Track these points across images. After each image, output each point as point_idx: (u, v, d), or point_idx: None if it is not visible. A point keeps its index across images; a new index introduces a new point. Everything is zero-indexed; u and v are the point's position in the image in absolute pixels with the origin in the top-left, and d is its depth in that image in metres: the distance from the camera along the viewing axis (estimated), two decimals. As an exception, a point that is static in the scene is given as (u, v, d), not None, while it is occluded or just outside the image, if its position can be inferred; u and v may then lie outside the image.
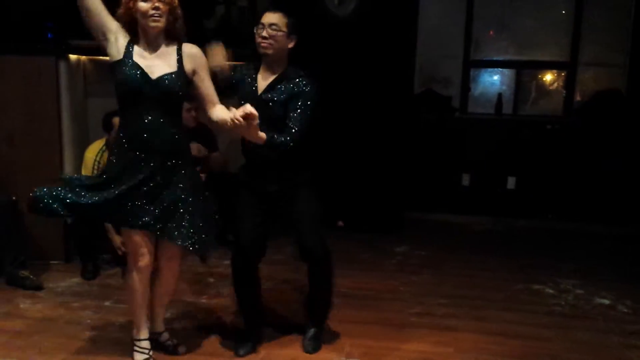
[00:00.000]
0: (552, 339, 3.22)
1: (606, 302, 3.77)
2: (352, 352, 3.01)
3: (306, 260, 2.92)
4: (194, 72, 2.67)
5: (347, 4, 5.13)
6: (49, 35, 4.34)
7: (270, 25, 2.73)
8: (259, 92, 2.82)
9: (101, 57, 4.34)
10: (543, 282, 4.09)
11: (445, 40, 5.87)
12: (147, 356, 2.82)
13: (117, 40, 2.59)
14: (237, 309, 3.21)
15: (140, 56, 2.59)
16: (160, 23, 2.56)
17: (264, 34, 2.73)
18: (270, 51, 2.76)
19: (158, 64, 2.60)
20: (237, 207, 2.95)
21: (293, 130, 2.71)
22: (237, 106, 2.52)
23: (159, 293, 2.91)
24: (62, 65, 4.11)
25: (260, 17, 2.79)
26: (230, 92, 2.91)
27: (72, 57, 4.19)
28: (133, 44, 2.61)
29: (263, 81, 2.84)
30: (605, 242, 5.20)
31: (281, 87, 2.80)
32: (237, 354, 2.95)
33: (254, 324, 3.07)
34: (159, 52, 2.63)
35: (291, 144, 2.69)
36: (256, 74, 2.87)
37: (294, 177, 2.89)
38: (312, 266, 2.94)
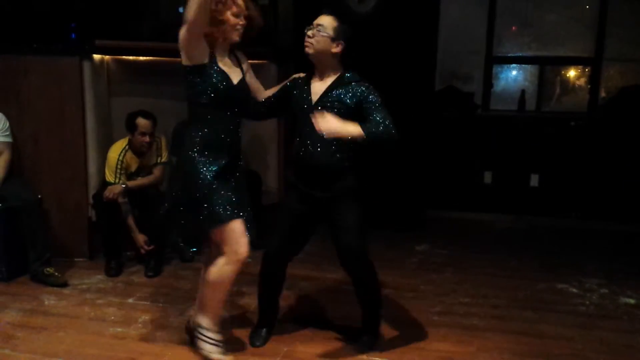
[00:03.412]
0: (575, 338, 3.18)
1: (631, 301, 3.72)
2: (373, 350, 2.99)
3: (345, 262, 2.86)
4: None
5: (368, 1, 5.11)
6: (73, 36, 4.40)
7: (317, 25, 2.73)
8: (313, 102, 2.79)
9: (125, 57, 4.41)
10: (567, 281, 4.04)
11: (467, 36, 5.80)
12: (221, 349, 2.81)
13: None
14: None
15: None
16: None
17: (309, 33, 2.75)
18: (310, 50, 2.75)
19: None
20: (281, 208, 2.98)
21: (386, 120, 2.65)
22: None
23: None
24: (86, 65, 4.13)
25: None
26: (283, 107, 2.95)
27: (96, 57, 4.21)
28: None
29: (316, 90, 2.82)
30: (630, 241, 5.11)
31: (335, 93, 2.77)
32: (252, 345, 2.99)
33: (268, 317, 3.10)
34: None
35: (392, 128, 2.64)
36: (309, 83, 2.85)
37: (343, 183, 2.83)
38: (351, 266, 2.87)
